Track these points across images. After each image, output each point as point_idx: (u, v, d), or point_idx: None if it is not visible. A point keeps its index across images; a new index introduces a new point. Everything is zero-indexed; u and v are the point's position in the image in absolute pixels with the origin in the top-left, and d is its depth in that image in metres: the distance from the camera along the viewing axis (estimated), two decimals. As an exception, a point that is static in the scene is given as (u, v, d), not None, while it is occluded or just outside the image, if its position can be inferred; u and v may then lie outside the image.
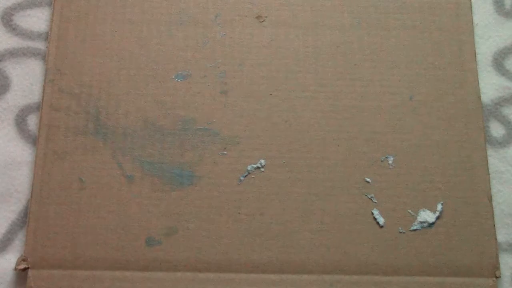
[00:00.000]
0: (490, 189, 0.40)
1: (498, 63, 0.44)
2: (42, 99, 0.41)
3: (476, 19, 0.45)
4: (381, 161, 0.41)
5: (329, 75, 0.43)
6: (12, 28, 0.44)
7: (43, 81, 0.42)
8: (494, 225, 0.40)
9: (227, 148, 0.41)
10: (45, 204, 0.39)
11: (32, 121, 0.42)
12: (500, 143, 0.43)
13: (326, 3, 0.44)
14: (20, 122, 0.42)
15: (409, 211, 0.40)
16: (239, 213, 0.40)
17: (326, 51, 0.43)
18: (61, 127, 0.41)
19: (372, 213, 0.40)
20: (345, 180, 0.41)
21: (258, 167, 0.41)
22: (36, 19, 0.45)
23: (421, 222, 0.40)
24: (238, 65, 0.43)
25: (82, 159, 0.40)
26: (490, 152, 0.43)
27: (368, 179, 0.41)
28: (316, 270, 0.39)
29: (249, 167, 0.41)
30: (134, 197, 0.40)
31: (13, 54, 0.44)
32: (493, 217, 0.40)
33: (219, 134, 0.41)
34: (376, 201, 0.40)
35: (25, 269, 0.38)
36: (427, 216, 0.40)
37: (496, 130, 0.43)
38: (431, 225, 0.40)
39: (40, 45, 0.44)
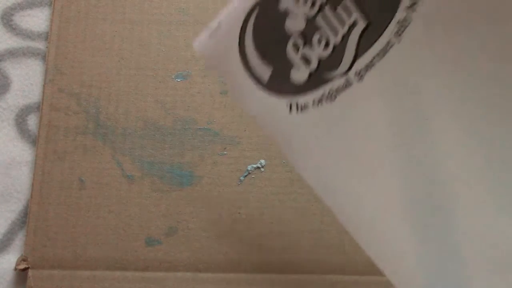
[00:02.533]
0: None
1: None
2: (42, 99, 0.42)
3: (476, 19, 0.45)
4: (381, 161, 0.41)
5: (329, 75, 0.43)
6: (12, 28, 0.44)
7: (43, 81, 0.42)
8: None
9: (227, 148, 0.41)
10: (45, 204, 0.39)
11: (32, 121, 0.42)
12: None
13: (326, 3, 0.44)
14: (20, 122, 0.42)
15: (409, 211, 0.40)
16: (239, 213, 0.40)
17: (326, 51, 0.43)
18: (61, 127, 0.41)
19: (372, 213, 0.40)
20: (345, 180, 0.41)
21: (258, 167, 0.41)
22: (36, 19, 0.45)
23: (421, 222, 0.40)
24: (238, 65, 0.43)
25: (82, 159, 0.40)
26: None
27: (368, 179, 0.41)
28: (316, 270, 0.39)
29: (249, 167, 0.41)
30: (134, 197, 0.40)
31: (13, 54, 0.44)
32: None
33: (219, 134, 0.41)
34: (376, 201, 0.40)
35: (25, 269, 0.38)
36: (427, 216, 0.40)
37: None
38: (431, 225, 0.40)
39: (40, 45, 0.44)
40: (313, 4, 0.31)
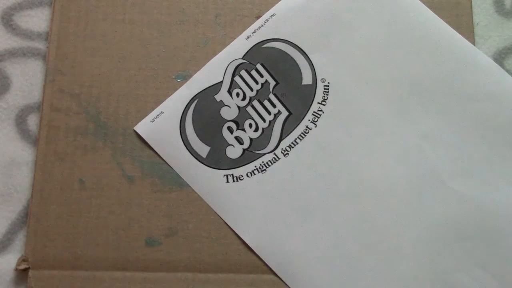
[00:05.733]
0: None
1: (498, 63, 0.44)
2: (43, 99, 0.42)
3: (476, 19, 0.45)
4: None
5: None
6: (12, 28, 0.44)
7: (43, 81, 0.42)
8: None
9: (227, 149, 0.41)
10: (46, 205, 0.40)
11: (32, 121, 0.42)
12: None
13: (326, 3, 0.44)
14: (20, 122, 0.42)
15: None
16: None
17: (326, 51, 0.44)
18: (61, 128, 0.41)
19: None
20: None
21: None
22: (36, 19, 0.44)
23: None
24: (238, 66, 0.43)
25: (83, 160, 0.40)
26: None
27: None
28: (316, 271, 0.39)
29: (249, 168, 0.41)
30: (134, 198, 0.40)
31: (13, 54, 0.44)
32: None
33: (219, 135, 0.42)
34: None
35: (25, 270, 0.38)
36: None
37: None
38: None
39: (40, 45, 0.44)
40: (243, 98, 0.40)
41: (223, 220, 0.39)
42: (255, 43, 0.42)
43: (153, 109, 0.41)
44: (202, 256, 0.39)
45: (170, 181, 0.40)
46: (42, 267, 0.38)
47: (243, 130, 0.40)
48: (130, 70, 0.42)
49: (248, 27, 0.43)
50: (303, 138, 0.40)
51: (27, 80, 0.43)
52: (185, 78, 0.42)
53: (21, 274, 0.39)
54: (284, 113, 0.40)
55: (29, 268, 0.38)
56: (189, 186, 0.40)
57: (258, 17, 0.43)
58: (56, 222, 0.39)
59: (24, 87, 0.43)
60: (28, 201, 0.40)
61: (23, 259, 0.39)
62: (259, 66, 0.41)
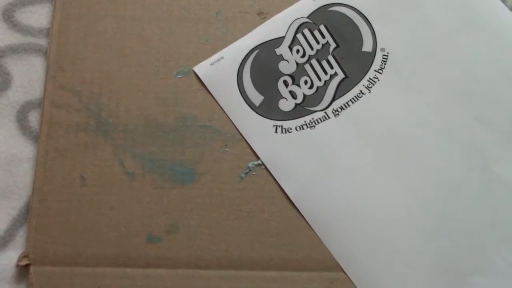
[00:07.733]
0: None
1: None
2: (44, 96, 0.42)
3: (477, 17, 0.45)
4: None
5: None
6: (14, 24, 0.44)
7: (45, 77, 0.42)
8: None
9: (228, 145, 0.41)
10: (47, 201, 0.40)
11: (33, 118, 0.42)
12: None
13: None
14: (21, 118, 0.42)
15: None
16: (240, 210, 0.40)
17: (328, 48, 0.44)
18: (62, 124, 0.41)
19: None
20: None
21: (259, 164, 0.41)
22: (38, 16, 0.44)
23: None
24: (240, 62, 0.43)
25: (83, 156, 0.40)
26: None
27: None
28: (317, 268, 0.39)
29: (250, 164, 0.41)
30: (135, 194, 0.40)
31: (14, 50, 0.44)
32: None
33: (220, 131, 0.41)
34: (376, 198, 0.41)
35: (26, 266, 0.38)
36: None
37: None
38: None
39: (41, 41, 0.44)
40: (303, 55, 0.42)
41: (267, 169, 0.40)
42: (321, 5, 0.43)
43: (154, 105, 0.41)
44: (203, 253, 0.39)
45: (171, 178, 0.40)
46: (43, 263, 0.38)
47: (298, 85, 0.41)
48: (131, 66, 0.42)
49: (250, 23, 0.43)
50: (355, 101, 0.41)
51: (28, 76, 0.43)
52: (186, 74, 0.42)
53: (22, 270, 0.39)
54: (340, 75, 0.42)
55: (30, 264, 0.38)
56: (190, 182, 0.40)
57: (259, 14, 0.43)
58: (57, 219, 0.39)
59: (25, 84, 0.43)
60: (29, 198, 0.40)
61: (24, 255, 0.39)
62: (322, 28, 0.43)
